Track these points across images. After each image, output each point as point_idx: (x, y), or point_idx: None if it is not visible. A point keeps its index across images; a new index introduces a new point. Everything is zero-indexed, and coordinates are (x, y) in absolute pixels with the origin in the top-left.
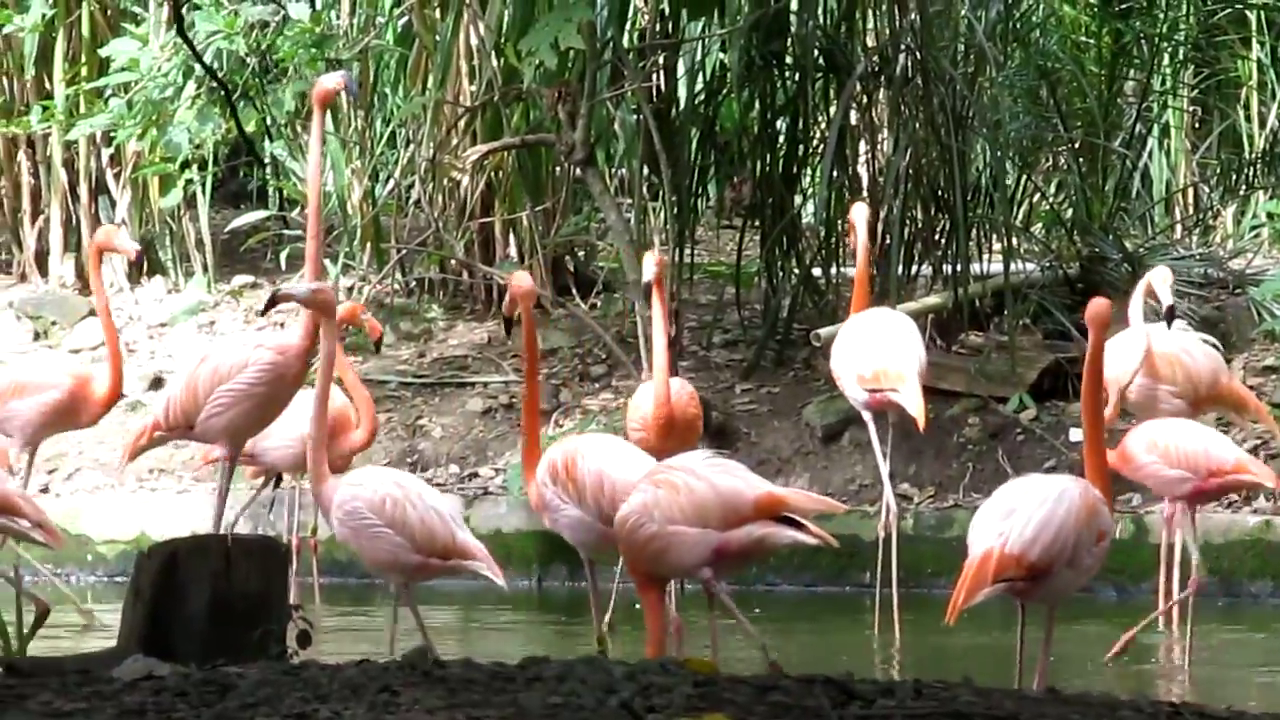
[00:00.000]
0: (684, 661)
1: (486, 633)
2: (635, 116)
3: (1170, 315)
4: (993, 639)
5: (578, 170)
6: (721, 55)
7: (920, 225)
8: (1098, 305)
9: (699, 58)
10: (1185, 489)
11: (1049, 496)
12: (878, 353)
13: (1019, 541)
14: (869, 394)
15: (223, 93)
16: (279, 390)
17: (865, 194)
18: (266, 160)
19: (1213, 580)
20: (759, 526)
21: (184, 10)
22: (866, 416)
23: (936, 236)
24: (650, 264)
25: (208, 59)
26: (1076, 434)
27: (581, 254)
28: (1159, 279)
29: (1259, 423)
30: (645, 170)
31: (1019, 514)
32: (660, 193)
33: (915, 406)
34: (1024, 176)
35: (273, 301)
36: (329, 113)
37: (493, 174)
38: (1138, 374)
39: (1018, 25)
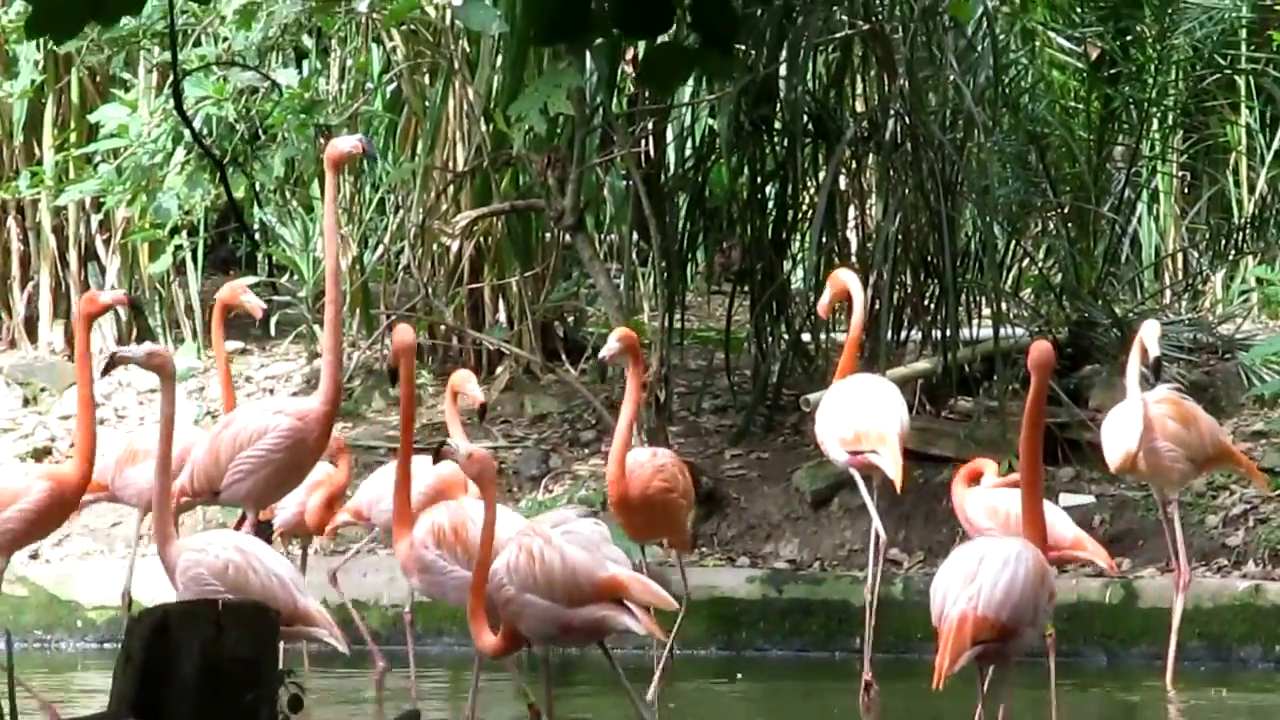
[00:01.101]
0: None
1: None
2: (625, 182)
3: (1157, 367)
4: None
5: (567, 236)
6: (711, 121)
7: (909, 290)
8: (1040, 350)
9: (688, 123)
10: None
11: (1008, 558)
12: (859, 415)
13: (990, 604)
14: (850, 455)
15: (210, 160)
16: (300, 455)
17: (854, 259)
18: (255, 227)
19: (1201, 645)
20: (601, 608)
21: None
22: (857, 477)
23: (926, 302)
24: (613, 340)
25: (197, 124)
26: (1066, 499)
27: (571, 319)
28: (1148, 332)
29: (1251, 483)
30: (635, 236)
31: (983, 576)
32: (650, 258)
33: (893, 468)
34: (1013, 241)
35: (111, 363)
36: (318, 179)
37: (482, 239)
38: (1143, 440)
39: (1006, 90)
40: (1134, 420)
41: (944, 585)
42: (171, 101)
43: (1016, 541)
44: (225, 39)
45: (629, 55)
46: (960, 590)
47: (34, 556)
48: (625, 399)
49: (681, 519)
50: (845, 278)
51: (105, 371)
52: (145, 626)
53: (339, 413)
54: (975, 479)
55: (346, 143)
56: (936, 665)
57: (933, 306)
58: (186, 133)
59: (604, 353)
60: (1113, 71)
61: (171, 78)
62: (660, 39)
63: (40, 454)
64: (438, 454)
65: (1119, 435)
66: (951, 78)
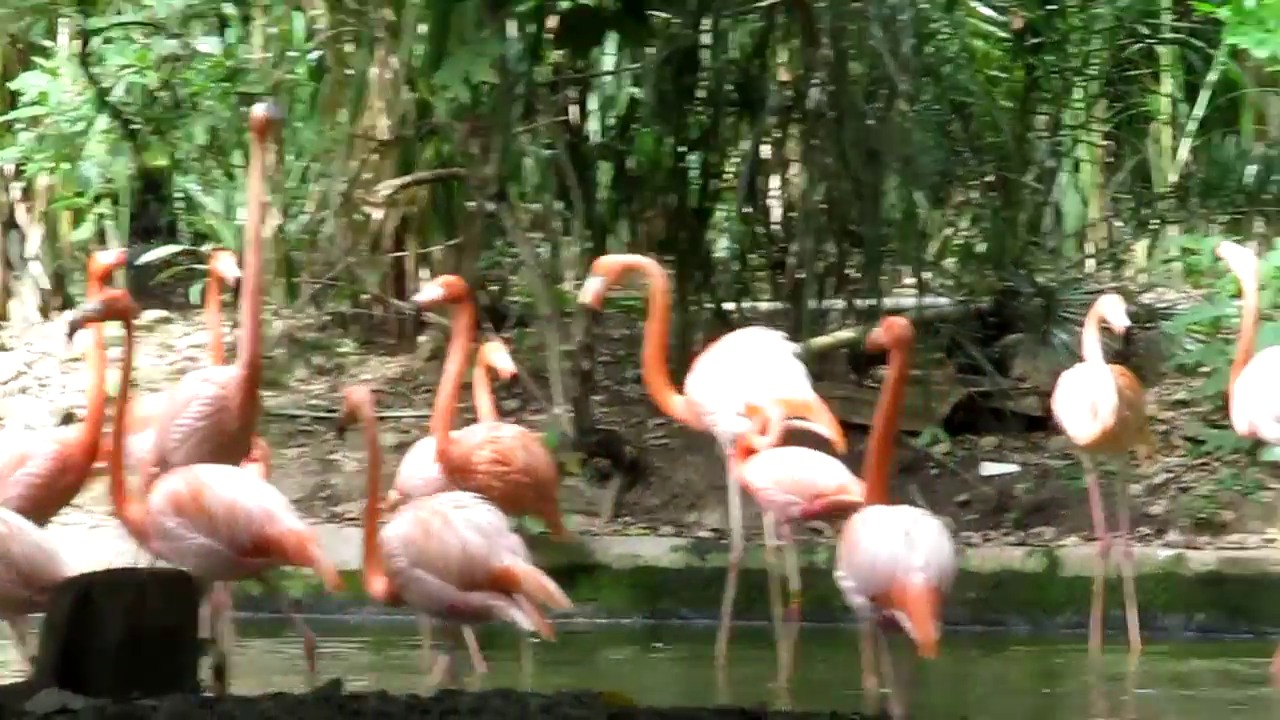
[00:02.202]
0: (599, 694)
1: (400, 667)
2: (548, 151)
3: (1128, 338)
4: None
5: (491, 205)
6: (634, 90)
7: (833, 260)
8: (899, 327)
9: (611, 93)
10: (795, 511)
11: (938, 528)
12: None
13: (943, 575)
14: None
15: (123, 126)
16: (224, 422)
17: (778, 228)
18: (178, 195)
19: (1123, 613)
20: (490, 597)
21: (95, 44)
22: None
23: (849, 271)
24: (434, 286)
25: (119, 92)
26: (989, 468)
27: (495, 288)
28: (1110, 305)
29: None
30: (558, 205)
31: (924, 547)
32: (573, 227)
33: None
34: (936, 211)
35: (73, 330)
36: (241, 148)
37: (406, 208)
38: (1117, 412)
39: (930, 60)
40: (1105, 393)
41: (886, 556)
42: (93, 69)
43: (918, 512)
44: (148, 6)
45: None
46: (910, 560)
47: None
48: (450, 356)
49: (532, 500)
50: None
51: (71, 335)
52: (69, 596)
53: (263, 380)
54: (749, 453)
55: (261, 109)
56: (923, 636)
57: (856, 276)
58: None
59: (420, 297)
60: (1036, 41)
61: (88, 41)
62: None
63: None
64: (72, 329)
65: (1084, 408)
66: (875, 47)
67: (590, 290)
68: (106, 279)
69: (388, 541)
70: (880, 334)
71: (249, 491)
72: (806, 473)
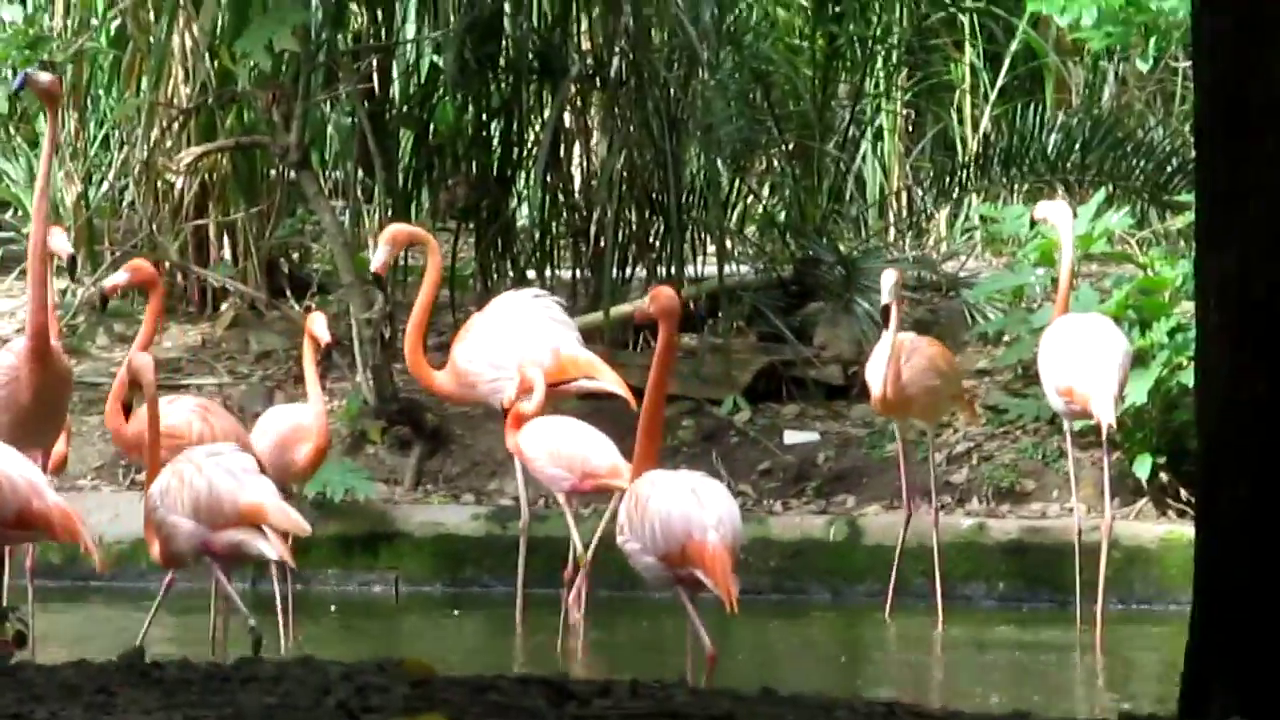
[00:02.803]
0: (400, 662)
1: (201, 637)
2: (350, 119)
3: (885, 313)
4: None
5: (292, 173)
6: (436, 58)
7: (635, 228)
8: (665, 297)
9: (413, 60)
10: (564, 486)
11: (720, 486)
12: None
13: (736, 535)
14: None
15: None
16: (17, 392)
17: (579, 196)
18: None
19: (925, 582)
20: (240, 532)
21: None
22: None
23: (651, 239)
24: (120, 273)
25: None
26: (791, 436)
27: (296, 256)
28: (883, 281)
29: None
30: (360, 172)
31: (716, 507)
32: (375, 194)
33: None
34: (738, 179)
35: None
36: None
37: (207, 176)
38: (891, 379)
39: (731, 28)
40: (880, 361)
41: (678, 514)
42: None
43: (699, 474)
44: None
45: None
46: (703, 519)
47: None
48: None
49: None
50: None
51: (103, 306)
52: None
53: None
54: (520, 420)
55: (46, 77)
56: (727, 593)
57: (658, 244)
58: None
59: (107, 282)
60: (837, 9)
61: None
62: None
63: None
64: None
65: (879, 375)
66: (676, 15)
67: (379, 259)
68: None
69: (150, 496)
70: (648, 304)
71: (13, 465)
72: (579, 448)
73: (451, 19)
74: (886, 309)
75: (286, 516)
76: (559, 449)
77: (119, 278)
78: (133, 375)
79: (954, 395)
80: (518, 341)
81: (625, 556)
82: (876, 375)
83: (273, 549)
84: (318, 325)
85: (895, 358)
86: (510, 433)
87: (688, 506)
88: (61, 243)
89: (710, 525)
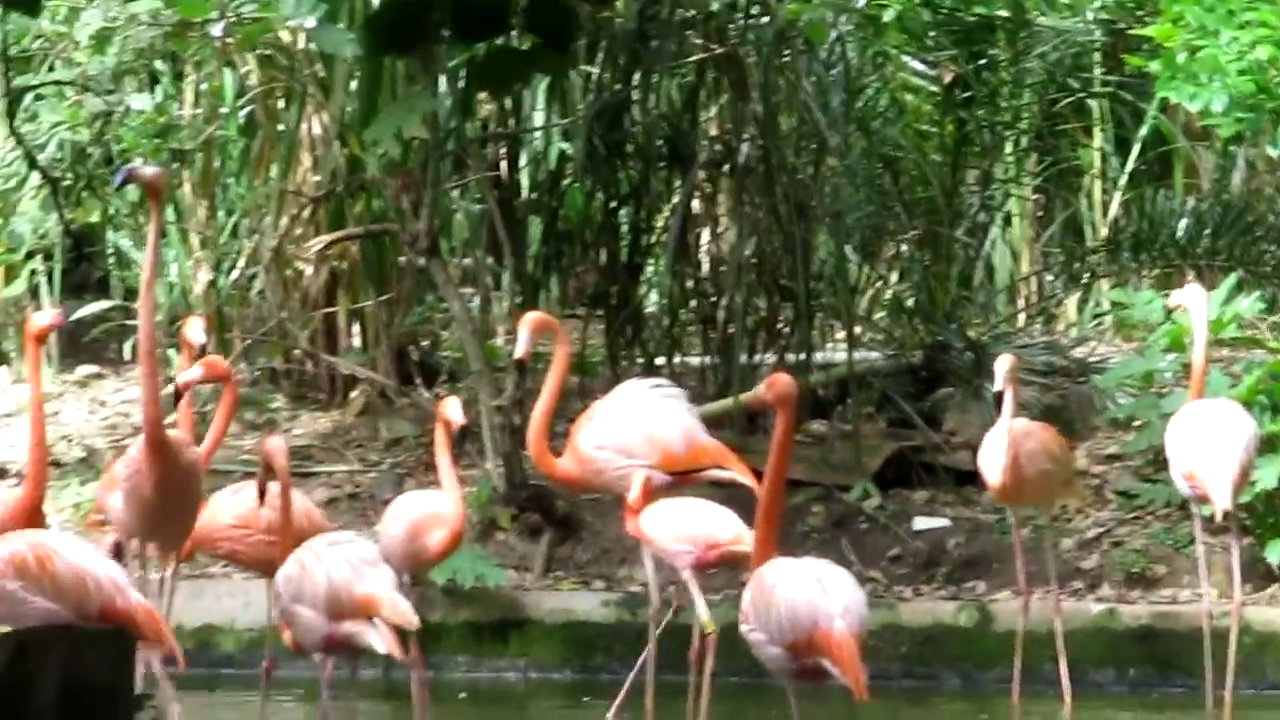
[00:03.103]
0: None
1: None
2: (479, 206)
3: (998, 400)
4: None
5: (421, 260)
6: (564, 145)
7: (763, 314)
8: (783, 384)
9: (542, 147)
10: (688, 561)
11: (845, 573)
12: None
13: (859, 618)
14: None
15: (49, 182)
16: (140, 486)
17: (708, 283)
18: (110, 251)
19: (1055, 668)
20: (354, 624)
21: (28, 101)
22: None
23: (779, 325)
24: (195, 369)
25: (51, 150)
26: (920, 523)
27: (426, 343)
28: (998, 366)
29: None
30: (489, 260)
31: (842, 594)
32: (504, 282)
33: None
34: (867, 265)
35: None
36: (172, 205)
37: (336, 264)
38: (1011, 467)
39: (860, 114)
40: (997, 449)
41: (804, 603)
42: (24, 128)
43: (824, 561)
44: (80, 64)
45: None
46: (829, 607)
47: None
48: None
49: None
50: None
51: (176, 401)
52: (3, 652)
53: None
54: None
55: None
56: (855, 680)
57: (787, 330)
58: (40, 159)
59: (181, 378)
60: (966, 95)
61: (19, 99)
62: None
63: None
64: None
65: (997, 463)
66: (805, 101)
67: (521, 346)
68: (44, 340)
69: (276, 584)
70: (764, 391)
71: (96, 564)
72: (700, 521)
73: (579, 106)
74: (1000, 394)
75: (397, 609)
76: (680, 525)
77: (193, 374)
78: (266, 460)
79: (1066, 481)
80: (648, 428)
81: (749, 646)
82: (992, 462)
83: (382, 642)
84: (451, 409)
85: (1011, 444)
86: (631, 518)
87: (813, 595)
88: (196, 333)
89: (836, 614)
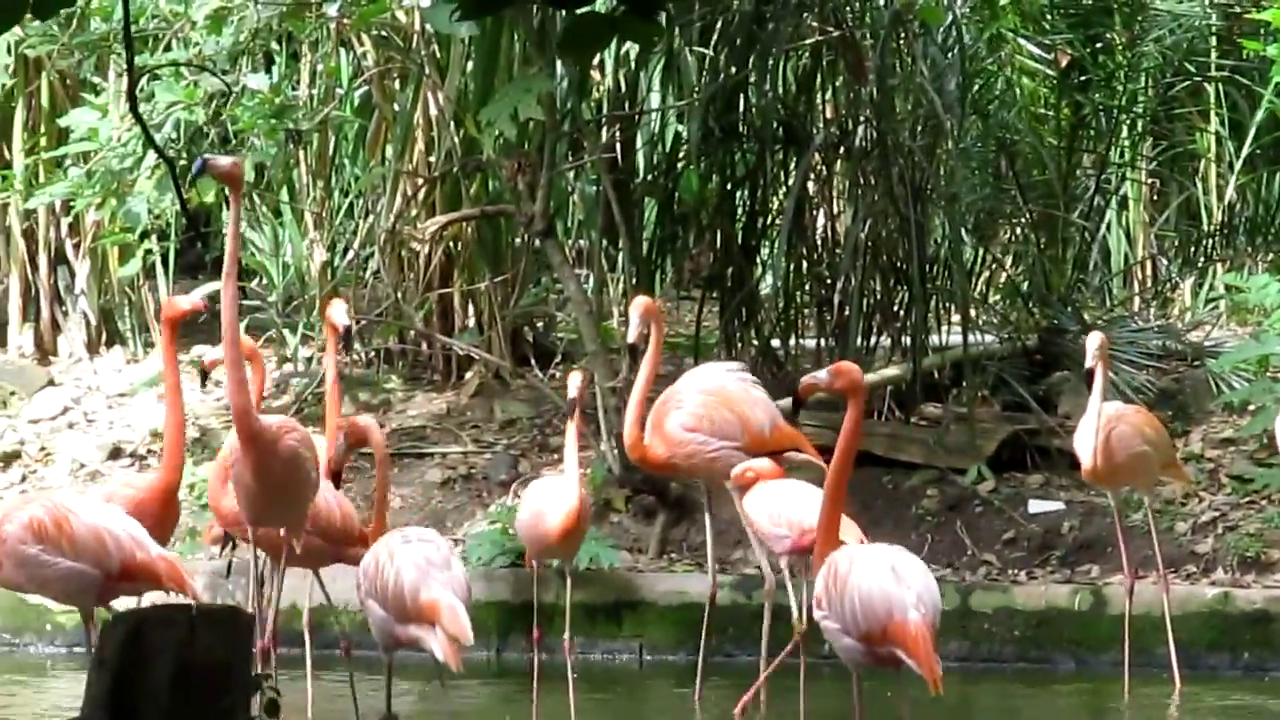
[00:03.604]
0: None
1: (446, 702)
2: (595, 187)
3: (1089, 377)
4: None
5: (537, 241)
6: (680, 127)
7: (879, 297)
8: (851, 372)
9: (658, 129)
10: (785, 546)
11: (919, 561)
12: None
13: (936, 611)
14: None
15: (165, 162)
16: (241, 474)
17: (824, 265)
18: (213, 231)
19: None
20: (417, 628)
21: (145, 81)
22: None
23: (895, 308)
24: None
25: (167, 129)
26: (1035, 506)
27: (541, 324)
28: (1089, 343)
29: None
30: (604, 241)
31: (915, 584)
32: (619, 263)
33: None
34: (982, 248)
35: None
36: (288, 185)
37: (452, 244)
38: (1103, 448)
39: (976, 97)
40: (1087, 433)
41: (879, 593)
42: (141, 108)
43: (896, 548)
44: (196, 44)
45: (597, 61)
46: (904, 598)
47: None
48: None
49: (333, 554)
50: None
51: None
52: (119, 631)
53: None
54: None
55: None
56: (929, 672)
57: (902, 313)
58: (156, 139)
59: (207, 358)
60: (1082, 79)
61: (137, 79)
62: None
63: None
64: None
65: (1088, 446)
66: (921, 84)
67: (633, 330)
68: (179, 324)
69: (358, 573)
70: (830, 379)
71: (114, 521)
72: (797, 507)
73: (695, 88)
74: (1090, 372)
75: (456, 621)
76: (778, 509)
77: (217, 353)
78: (358, 437)
79: (1165, 463)
80: (739, 410)
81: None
82: (1084, 444)
83: (440, 648)
84: (571, 381)
85: (1103, 427)
86: (737, 497)
87: (887, 585)
88: (340, 315)
89: (911, 604)
